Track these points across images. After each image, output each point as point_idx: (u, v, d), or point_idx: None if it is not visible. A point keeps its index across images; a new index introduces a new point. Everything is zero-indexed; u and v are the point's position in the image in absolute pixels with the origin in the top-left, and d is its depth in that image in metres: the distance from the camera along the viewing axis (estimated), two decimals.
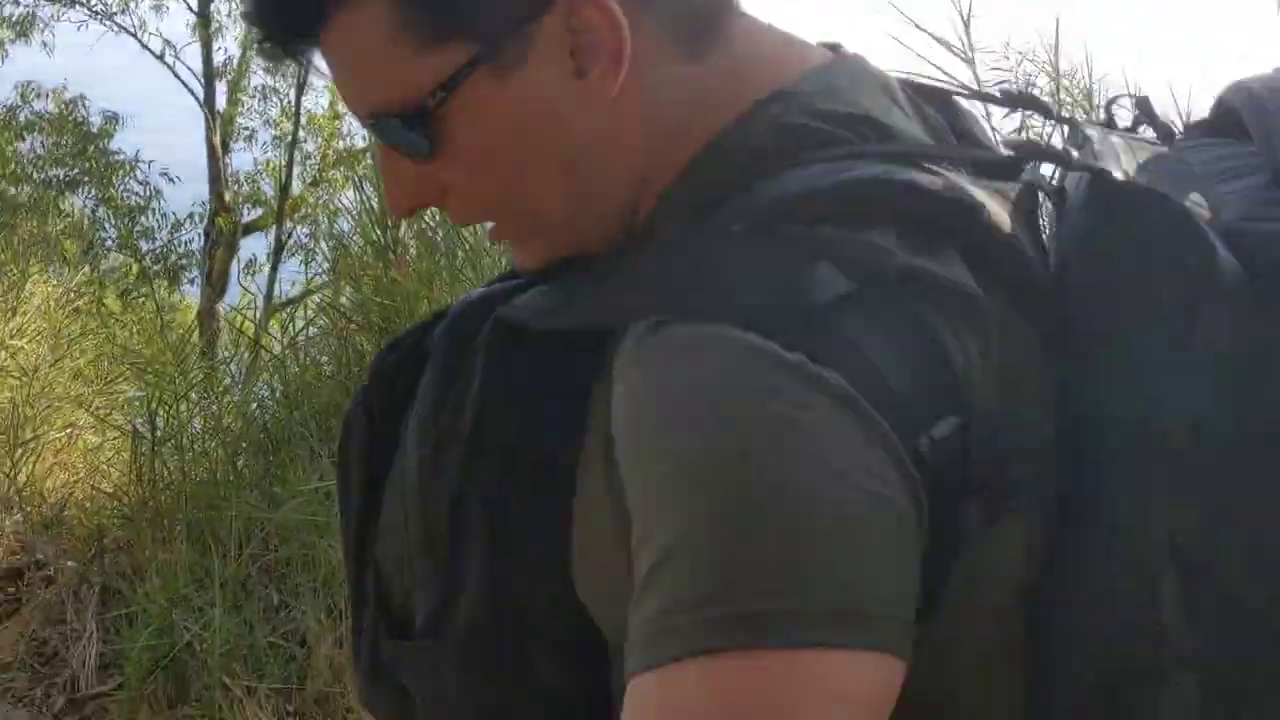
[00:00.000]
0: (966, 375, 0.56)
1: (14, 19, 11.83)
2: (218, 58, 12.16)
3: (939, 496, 0.54)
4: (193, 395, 3.72)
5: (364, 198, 3.30)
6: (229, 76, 12.20)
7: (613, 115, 0.62)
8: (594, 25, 0.59)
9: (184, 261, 11.51)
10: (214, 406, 3.79)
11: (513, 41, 0.60)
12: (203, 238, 11.27)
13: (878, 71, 0.69)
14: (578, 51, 0.60)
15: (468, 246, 3.07)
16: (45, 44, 11.80)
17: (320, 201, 10.68)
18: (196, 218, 11.43)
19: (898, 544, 0.53)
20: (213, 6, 11.98)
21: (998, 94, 0.79)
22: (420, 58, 0.60)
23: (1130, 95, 0.77)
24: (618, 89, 0.61)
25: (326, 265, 4.02)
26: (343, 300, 3.51)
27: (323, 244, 4.55)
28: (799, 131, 0.61)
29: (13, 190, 11.17)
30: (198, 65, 11.85)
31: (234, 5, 11.42)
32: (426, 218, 3.18)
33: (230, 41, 12.21)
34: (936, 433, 0.54)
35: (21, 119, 11.53)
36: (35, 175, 11.39)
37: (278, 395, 3.67)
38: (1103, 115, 0.76)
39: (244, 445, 3.59)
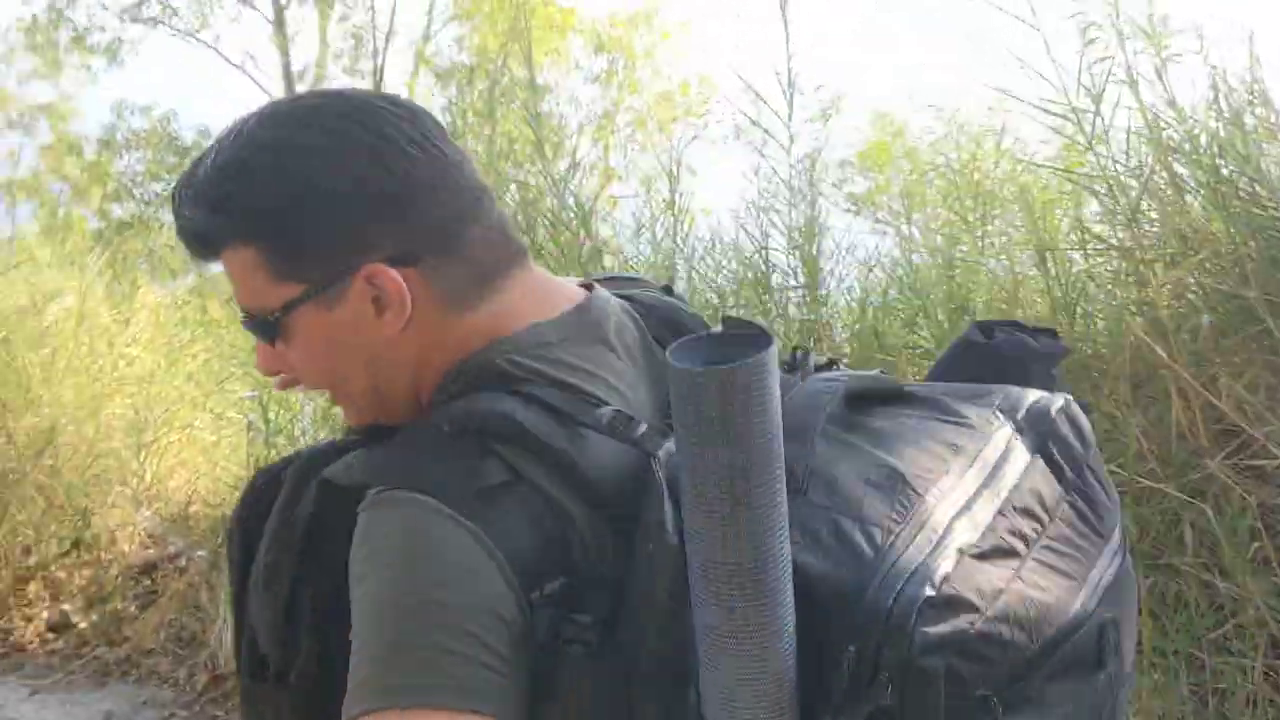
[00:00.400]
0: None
1: (102, 46, 12.26)
2: (295, 64, 12.49)
3: (544, 626, 0.79)
4: None
5: None
6: (307, 81, 12.51)
7: (399, 342, 0.91)
8: (386, 288, 0.89)
9: None
10: (322, 397, 3.97)
11: (333, 289, 0.90)
12: None
13: (612, 315, 0.95)
14: (377, 300, 0.89)
15: (546, 223, 3.18)
16: (124, 62, 12.20)
17: None
18: None
19: (506, 649, 0.78)
20: (287, 14, 12.27)
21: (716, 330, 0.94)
22: (272, 286, 0.91)
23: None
24: (401, 327, 0.90)
25: None
26: None
27: None
28: (490, 369, 0.89)
29: (117, 209, 11.60)
30: (278, 72, 12.16)
31: (306, 13, 11.67)
32: (508, 199, 3.30)
33: (309, 47, 12.53)
34: (548, 588, 0.80)
35: (119, 138, 11.96)
36: (136, 192, 11.81)
37: None
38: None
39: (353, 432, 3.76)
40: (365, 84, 12.06)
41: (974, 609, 0.75)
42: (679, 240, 3.15)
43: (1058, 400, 0.92)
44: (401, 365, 0.93)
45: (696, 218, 3.32)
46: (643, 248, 3.36)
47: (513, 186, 3.40)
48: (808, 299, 3.06)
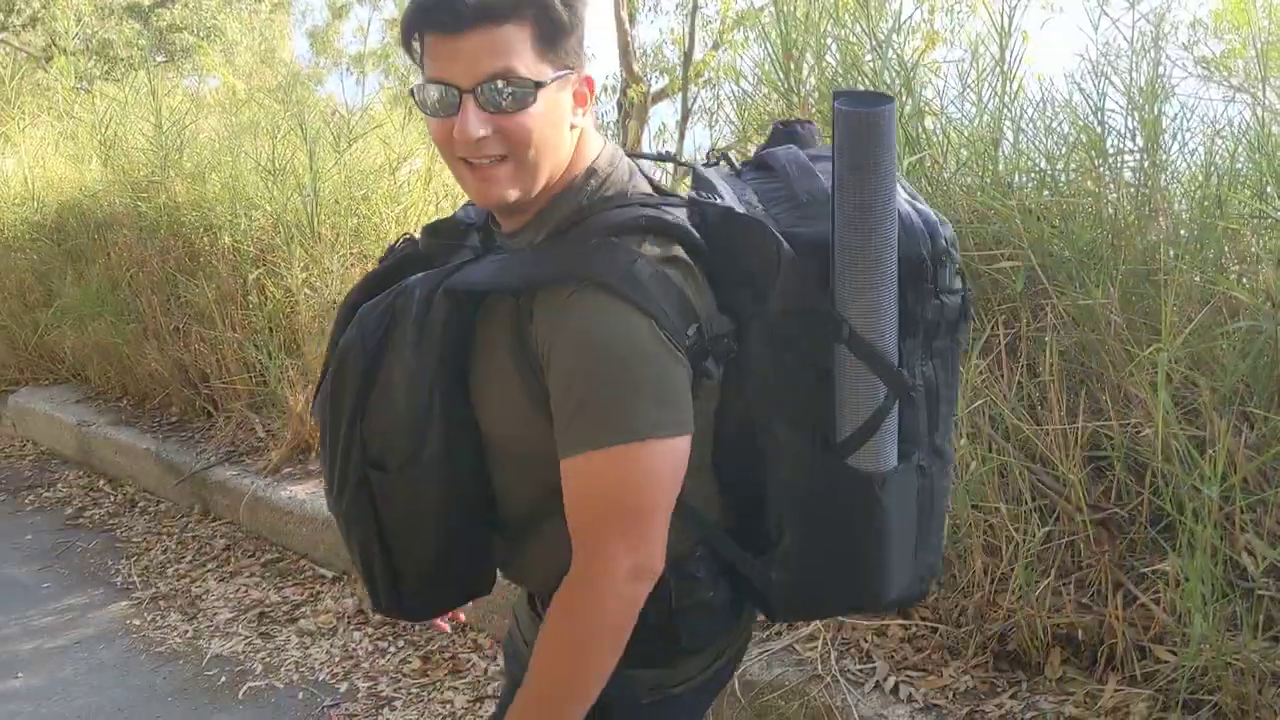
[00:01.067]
0: (694, 303, 1.25)
1: None
2: None
3: (693, 360, 1.25)
4: None
5: (767, 48, 3.45)
6: None
7: (569, 134, 1.31)
8: (588, 90, 1.31)
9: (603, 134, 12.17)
10: None
11: (571, 76, 1.28)
12: (617, 109, 11.88)
13: (623, 154, 1.39)
14: (578, 95, 1.31)
15: (867, 82, 3.15)
16: None
17: (721, 64, 10.96)
18: (610, 90, 12.05)
19: (684, 383, 1.24)
20: None
21: (659, 153, 1.58)
22: (537, 62, 1.24)
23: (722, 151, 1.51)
24: (582, 122, 1.32)
25: (731, 126, 4.21)
26: (750, 149, 3.71)
27: (726, 105, 4.73)
28: (609, 195, 1.33)
29: None
30: None
31: None
32: (828, 58, 3.29)
33: None
34: (689, 333, 1.24)
35: None
36: None
37: None
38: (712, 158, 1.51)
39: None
40: None
41: (946, 225, 1.32)
42: (1006, 101, 3.05)
43: None
44: (563, 153, 1.31)
45: (1026, 80, 3.19)
46: (967, 108, 3.28)
47: (833, 45, 3.38)
48: (1146, 164, 2.91)
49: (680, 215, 1.31)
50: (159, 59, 21.09)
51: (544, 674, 1.27)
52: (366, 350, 1.31)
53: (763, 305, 1.26)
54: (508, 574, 1.50)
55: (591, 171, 1.33)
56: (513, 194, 1.28)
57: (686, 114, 11.39)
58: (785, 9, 3.22)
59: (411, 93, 1.29)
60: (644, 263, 1.22)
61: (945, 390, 1.33)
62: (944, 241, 1.27)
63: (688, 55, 11.40)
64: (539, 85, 1.23)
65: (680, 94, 11.58)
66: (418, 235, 1.51)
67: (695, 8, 11.84)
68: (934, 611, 2.71)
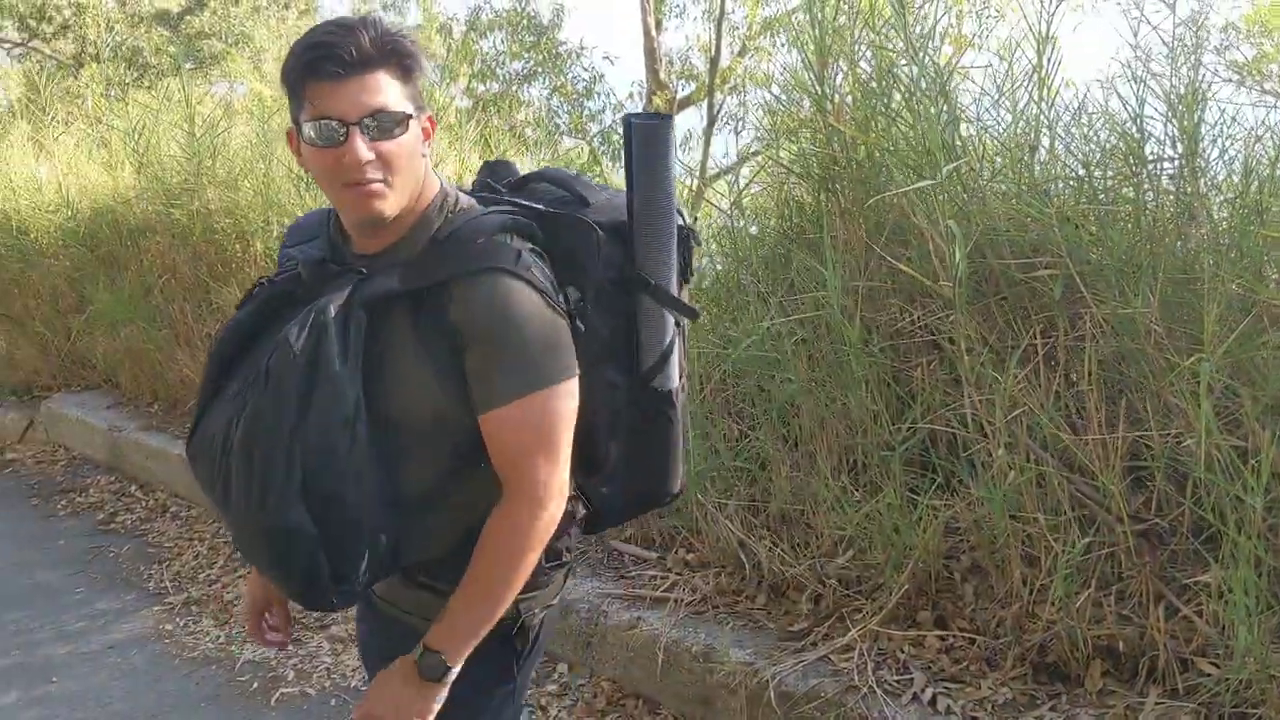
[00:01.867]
0: (552, 280, 1.58)
1: None
2: None
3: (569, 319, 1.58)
4: None
5: (800, 53, 3.44)
6: None
7: (421, 160, 1.58)
8: (430, 128, 1.61)
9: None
10: None
11: (420, 116, 1.57)
12: None
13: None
14: (425, 132, 1.59)
15: (903, 88, 3.14)
16: None
17: (747, 70, 10.96)
18: (635, 97, 12.07)
19: (569, 337, 1.56)
20: None
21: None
22: (402, 101, 1.52)
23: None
24: (424, 155, 1.58)
25: (756, 133, 4.20)
26: (782, 154, 3.70)
27: (752, 113, 4.70)
28: (463, 208, 1.63)
29: (481, 87, 12.33)
30: None
31: None
32: (863, 64, 3.28)
33: None
34: (564, 300, 1.58)
35: (484, 19, 12.65)
36: (499, 72, 12.50)
37: (726, 249, 3.95)
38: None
39: (702, 294, 3.92)
40: None
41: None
42: (1043, 107, 3.02)
43: None
44: (419, 177, 1.57)
45: (1059, 87, 3.16)
46: (1002, 115, 3.25)
47: (867, 51, 3.36)
48: (1185, 171, 2.88)
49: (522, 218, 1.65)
50: (188, 66, 21.27)
51: (486, 576, 1.56)
52: (300, 370, 1.49)
53: (588, 278, 1.63)
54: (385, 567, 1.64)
55: (444, 194, 1.64)
56: (390, 209, 1.54)
57: (713, 120, 11.41)
58: (820, 14, 3.21)
59: (296, 131, 1.54)
60: (524, 252, 1.55)
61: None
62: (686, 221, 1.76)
63: (714, 62, 11.41)
64: (407, 116, 1.52)
65: (706, 101, 11.59)
66: (264, 280, 1.69)
67: (722, 14, 11.85)
68: (971, 622, 2.69)
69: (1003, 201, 3.05)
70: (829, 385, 3.16)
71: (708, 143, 10.95)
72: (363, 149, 1.48)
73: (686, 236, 1.75)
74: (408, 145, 1.52)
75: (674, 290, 1.71)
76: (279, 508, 1.48)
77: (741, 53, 12.09)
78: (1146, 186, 2.93)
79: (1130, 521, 2.51)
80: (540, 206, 1.68)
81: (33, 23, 22.13)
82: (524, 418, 1.52)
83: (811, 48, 3.29)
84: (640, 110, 11.45)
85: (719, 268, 3.97)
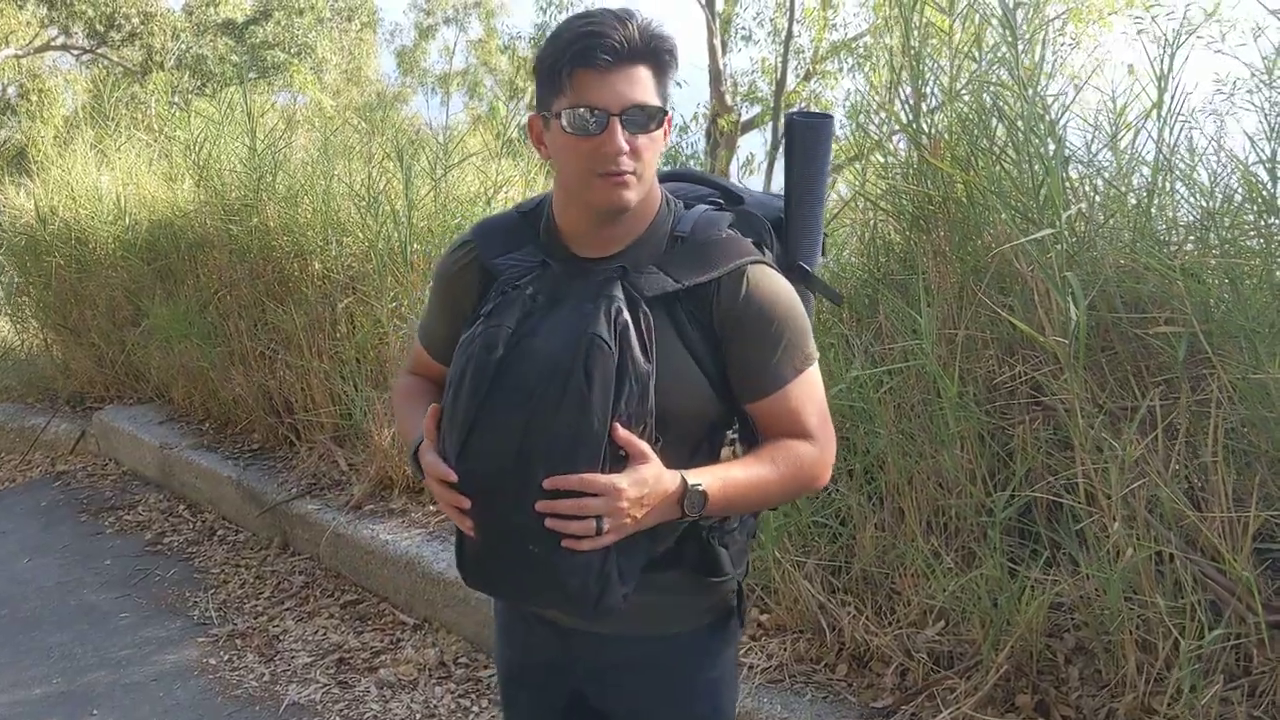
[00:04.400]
0: None
1: None
2: None
3: None
4: None
5: (896, 85, 3.24)
6: None
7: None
8: (668, 128, 1.62)
9: (690, 163, 12.05)
10: None
11: (668, 114, 1.59)
12: (705, 139, 11.73)
13: None
14: (664, 131, 1.58)
15: (1007, 123, 2.93)
16: None
17: (813, 94, 10.74)
18: (700, 119, 11.90)
19: None
20: None
21: None
22: (657, 97, 1.53)
23: None
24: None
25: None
26: (869, 188, 3.49)
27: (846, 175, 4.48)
28: (677, 200, 1.69)
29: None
30: None
31: None
32: (966, 96, 3.07)
33: None
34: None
35: (547, 33, 12.53)
36: None
37: None
38: None
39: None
40: None
41: None
42: (1164, 149, 2.80)
43: None
44: (655, 176, 1.60)
45: (1182, 131, 2.93)
46: (1109, 156, 3.03)
47: (966, 83, 3.15)
48: None
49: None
50: (251, 75, 21.44)
51: (770, 476, 1.58)
52: (612, 359, 1.47)
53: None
54: None
55: (665, 197, 1.66)
56: (634, 199, 1.55)
57: (777, 143, 11.19)
58: (915, 43, 3.00)
59: (544, 119, 1.56)
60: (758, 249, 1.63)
61: None
62: None
63: (780, 84, 11.20)
64: (663, 112, 1.55)
65: (770, 123, 11.38)
66: (506, 288, 1.63)
67: (789, 37, 11.64)
68: (1077, 710, 2.47)
69: (1115, 249, 2.83)
70: (920, 439, 2.94)
71: (771, 165, 10.74)
72: (621, 140, 1.49)
73: None
74: (659, 140, 1.56)
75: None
76: None
77: (807, 76, 11.88)
78: (1277, 234, 2.70)
79: (1265, 611, 2.28)
80: (736, 196, 1.74)
81: (100, 29, 22.45)
82: (808, 392, 1.61)
83: (907, 77, 3.09)
84: (705, 130, 11.31)
85: None
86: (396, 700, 3.47)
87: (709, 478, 1.53)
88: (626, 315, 1.50)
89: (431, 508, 4.27)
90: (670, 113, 1.60)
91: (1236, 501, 2.39)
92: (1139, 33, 2.97)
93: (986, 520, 2.72)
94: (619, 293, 1.53)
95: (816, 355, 1.63)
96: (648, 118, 1.51)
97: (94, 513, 5.55)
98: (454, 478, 1.51)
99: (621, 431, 1.46)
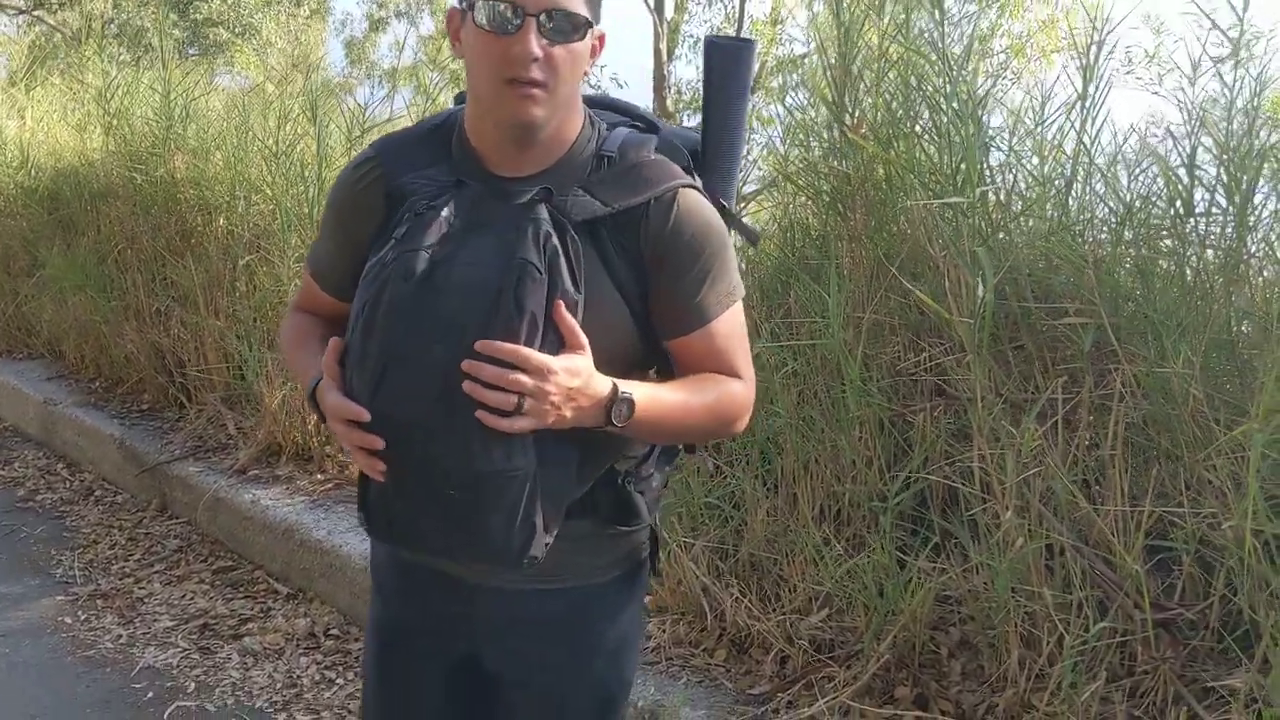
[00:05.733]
0: None
1: None
2: None
3: None
4: None
5: (822, 59, 3.15)
6: None
7: (583, 78, 1.47)
8: (598, 44, 1.47)
9: None
10: None
11: (597, 28, 1.44)
12: None
13: None
14: (593, 49, 1.46)
15: (931, 106, 2.85)
16: None
17: (755, 109, 10.71)
18: None
19: None
20: None
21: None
22: (585, 6, 1.41)
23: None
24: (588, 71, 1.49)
25: (759, 171, 3.90)
26: (790, 166, 3.39)
27: (756, 150, 4.39)
28: (601, 123, 1.56)
29: None
30: None
31: None
32: (890, 76, 2.98)
33: None
34: None
35: None
36: None
37: None
38: None
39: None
40: None
41: None
42: (1085, 142, 2.73)
43: None
44: (576, 96, 1.48)
45: (1103, 123, 2.87)
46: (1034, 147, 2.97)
47: (891, 67, 3.07)
48: (1232, 225, 2.59)
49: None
50: (192, 52, 20.97)
51: (696, 406, 1.48)
52: (543, 288, 1.36)
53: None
54: None
55: (589, 118, 1.53)
56: (541, 117, 1.41)
57: None
58: (846, 15, 2.91)
59: (462, 12, 1.42)
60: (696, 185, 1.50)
61: None
62: None
63: None
64: (586, 22, 1.41)
65: None
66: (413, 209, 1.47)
67: None
68: (956, 706, 2.36)
69: (1031, 239, 2.76)
70: (820, 424, 2.84)
71: None
72: (534, 44, 1.36)
73: None
74: (577, 54, 1.41)
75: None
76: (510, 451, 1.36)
77: (752, 90, 11.85)
78: (1193, 238, 2.65)
79: (1151, 609, 2.20)
80: (653, 125, 1.60)
81: None
82: (734, 329, 1.52)
83: (833, 49, 3.00)
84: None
85: None
86: (258, 668, 3.28)
87: (639, 391, 1.41)
88: (556, 240, 1.38)
89: (320, 476, 4.09)
90: (600, 32, 1.47)
91: (1132, 497, 2.31)
92: (1080, 68, 2.90)
93: (879, 506, 2.62)
94: (545, 216, 1.40)
95: (743, 290, 1.53)
96: (572, 27, 1.39)
97: None
98: (366, 417, 1.36)
99: (565, 314, 1.34)
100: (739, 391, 1.52)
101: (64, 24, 22.34)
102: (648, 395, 1.42)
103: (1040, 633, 2.28)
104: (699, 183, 1.50)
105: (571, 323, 1.34)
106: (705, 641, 2.74)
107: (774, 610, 2.70)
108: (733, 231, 1.60)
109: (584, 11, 1.40)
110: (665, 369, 1.55)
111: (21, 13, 22.92)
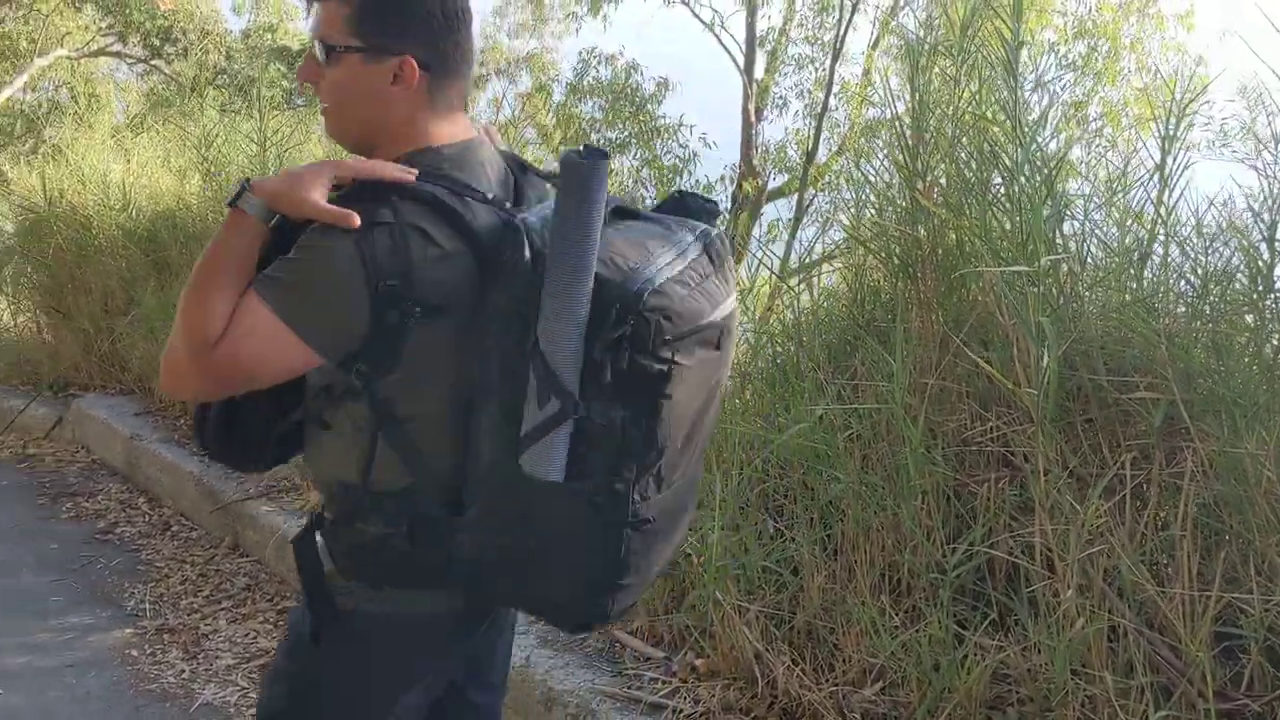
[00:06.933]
0: (413, 264, 1.44)
1: None
2: (760, 25, 12.52)
3: (379, 304, 1.47)
4: None
5: (896, 125, 3.14)
6: (769, 45, 12.54)
7: (390, 108, 1.53)
8: (406, 75, 1.50)
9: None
10: None
11: (378, 57, 1.51)
12: (729, 201, 11.67)
13: (486, 149, 1.61)
14: (396, 78, 1.51)
15: (1005, 171, 2.81)
16: (606, 16, 12.78)
17: (843, 170, 10.69)
18: (726, 181, 11.86)
19: (345, 313, 1.46)
20: None
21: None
22: (345, 33, 1.51)
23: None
24: (400, 101, 1.53)
25: (842, 228, 3.87)
26: (863, 229, 3.37)
27: (843, 212, 4.37)
28: (430, 167, 1.50)
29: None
30: (741, 34, 12.23)
31: None
32: (964, 143, 2.95)
33: (774, 11, 12.51)
34: (387, 283, 1.45)
35: (585, 84, 12.55)
36: (594, 137, 12.38)
37: (790, 331, 3.62)
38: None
39: (751, 376, 3.59)
40: (825, 54, 11.92)
41: (669, 298, 1.40)
42: (1163, 213, 2.67)
43: (718, 231, 1.59)
44: (376, 121, 1.53)
45: (1181, 194, 2.81)
46: (1111, 224, 2.91)
47: (964, 134, 3.04)
48: None
49: (467, 202, 1.48)
50: (299, 102, 21.66)
51: (193, 290, 1.47)
52: None
53: (502, 286, 1.45)
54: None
55: (433, 150, 1.54)
56: (332, 135, 1.58)
57: (801, 214, 11.12)
58: (920, 80, 2.90)
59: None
60: (388, 214, 1.42)
61: (639, 445, 1.43)
62: (645, 302, 1.38)
63: (810, 156, 11.16)
64: (332, 50, 1.51)
65: (797, 194, 11.32)
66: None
67: (825, 111, 11.63)
68: None
69: (1104, 311, 2.70)
70: (881, 491, 2.79)
71: (793, 236, 10.65)
72: (305, 67, 1.55)
73: (615, 318, 1.40)
74: (343, 80, 1.53)
75: (563, 364, 1.38)
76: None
77: (840, 151, 11.84)
78: (1270, 316, 2.56)
79: (1215, 699, 2.10)
80: (509, 208, 1.55)
81: (156, 42, 22.75)
82: (249, 304, 1.43)
83: (905, 111, 2.98)
84: (730, 193, 11.27)
85: (776, 349, 3.63)
86: None
87: (258, 186, 1.50)
88: None
89: None
90: (374, 54, 1.50)
91: (1200, 580, 2.23)
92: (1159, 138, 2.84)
93: (938, 578, 2.56)
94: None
95: (286, 319, 1.42)
96: (322, 52, 1.52)
97: (53, 497, 5.42)
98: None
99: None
100: (205, 337, 1.43)
101: (179, 74, 23.25)
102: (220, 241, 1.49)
103: (1099, 718, 2.19)
104: (366, 230, 1.41)
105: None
106: (755, 709, 2.68)
107: (827, 680, 2.64)
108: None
109: (338, 37, 1.51)
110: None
111: (139, 61, 23.91)
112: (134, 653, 3.68)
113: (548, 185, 1.71)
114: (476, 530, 1.50)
